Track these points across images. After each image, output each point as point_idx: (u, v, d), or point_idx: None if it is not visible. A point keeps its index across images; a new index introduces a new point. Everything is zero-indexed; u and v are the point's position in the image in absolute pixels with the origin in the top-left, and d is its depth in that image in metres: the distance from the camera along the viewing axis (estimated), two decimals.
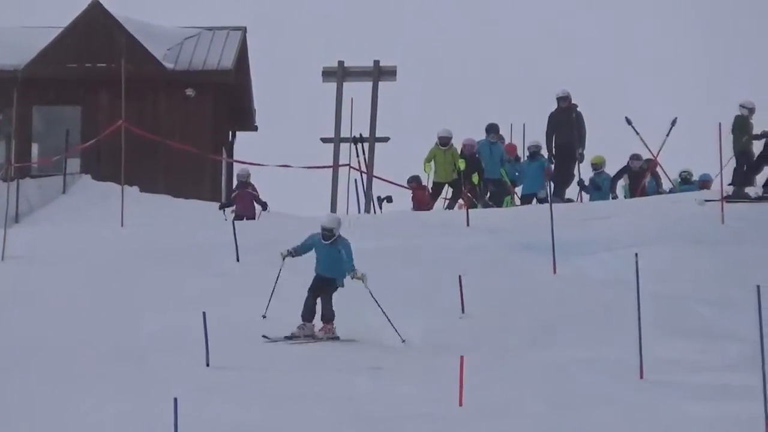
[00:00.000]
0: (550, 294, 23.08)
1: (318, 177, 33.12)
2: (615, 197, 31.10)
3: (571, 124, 30.49)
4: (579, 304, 22.49)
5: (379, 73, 35.04)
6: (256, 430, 17.92)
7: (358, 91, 35.20)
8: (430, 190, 30.77)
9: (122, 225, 29.37)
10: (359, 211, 32.92)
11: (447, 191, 31.10)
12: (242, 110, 43.68)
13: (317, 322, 21.99)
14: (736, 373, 19.10)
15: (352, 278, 21.71)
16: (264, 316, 22.35)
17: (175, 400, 16.17)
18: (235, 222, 29.99)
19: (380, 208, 33.03)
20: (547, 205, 26.33)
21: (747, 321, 18.94)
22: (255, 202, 31.66)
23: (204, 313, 20.48)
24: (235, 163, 31.57)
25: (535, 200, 30.50)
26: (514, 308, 22.51)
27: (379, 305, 21.46)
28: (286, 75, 57.21)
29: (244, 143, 45.03)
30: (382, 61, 34.92)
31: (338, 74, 34.91)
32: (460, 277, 22.48)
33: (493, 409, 18.36)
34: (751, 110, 28.30)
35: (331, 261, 21.93)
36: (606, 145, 32.30)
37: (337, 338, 21.86)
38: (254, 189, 31.84)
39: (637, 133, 31.26)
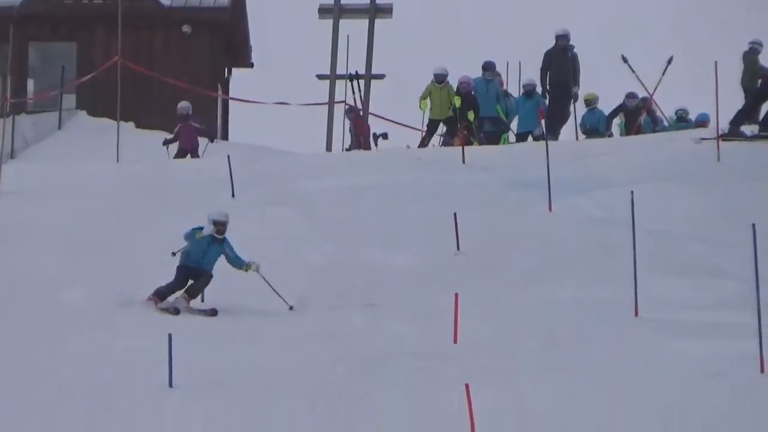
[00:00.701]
0: (545, 231, 23.08)
1: (314, 114, 33.06)
2: (611, 135, 31.05)
3: (567, 63, 30.41)
4: (574, 242, 22.49)
5: (375, 11, 35.08)
6: (250, 369, 17.90)
7: (354, 28, 35.21)
8: (426, 128, 30.64)
9: (118, 161, 29.33)
10: (353, 147, 32.89)
11: (442, 129, 30.98)
12: (238, 47, 43.53)
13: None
14: (730, 311, 19.12)
15: (246, 271, 20.81)
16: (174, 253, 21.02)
17: (170, 337, 16.19)
18: (179, 158, 30.05)
19: (375, 144, 33.01)
20: (542, 143, 26.30)
21: (741, 259, 18.94)
22: (199, 135, 31.36)
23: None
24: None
25: (530, 138, 30.38)
26: (508, 245, 22.50)
27: (270, 286, 20.73)
28: (282, 12, 57.08)
29: (240, 80, 45.05)
30: None
31: (335, 11, 34.92)
32: (455, 214, 22.45)
33: (487, 346, 18.37)
34: (759, 48, 28.21)
35: (211, 257, 20.89)
36: (602, 84, 32.25)
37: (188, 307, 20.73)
38: (195, 122, 31.42)
39: (633, 72, 31.24)
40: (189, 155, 30.54)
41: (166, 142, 30.95)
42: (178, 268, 20.80)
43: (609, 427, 15.79)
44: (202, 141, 31.03)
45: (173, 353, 16.18)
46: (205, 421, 15.95)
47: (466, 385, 15.53)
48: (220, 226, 20.68)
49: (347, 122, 33.35)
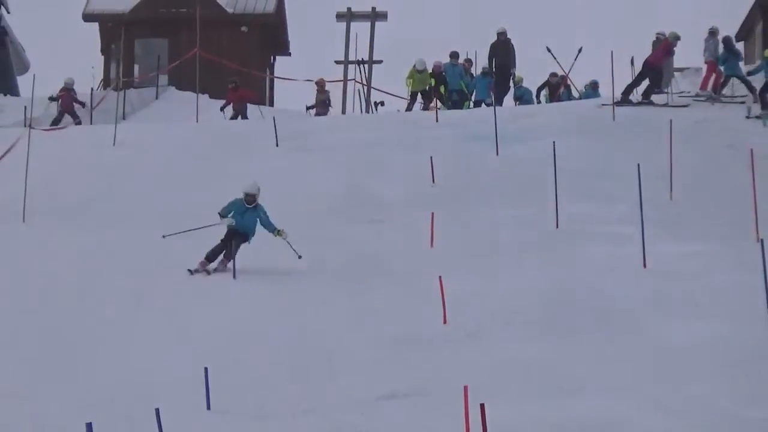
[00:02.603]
0: (494, 169, 22.96)
1: (332, 88, 32.84)
2: (539, 102, 30.85)
3: (506, 52, 30.10)
4: (513, 177, 22.37)
5: (375, 15, 34.94)
6: (272, 268, 17.90)
7: (361, 27, 35.10)
8: (409, 98, 30.37)
9: (197, 121, 29.16)
10: (361, 112, 32.71)
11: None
12: (280, 41, 43.23)
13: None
14: (623, 225, 19.07)
15: (275, 236, 18.02)
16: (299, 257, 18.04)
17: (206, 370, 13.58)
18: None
19: (375, 109, 32.84)
20: (491, 108, 26.19)
21: (630, 188, 18.83)
22: (75, 103, 30.27)
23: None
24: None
25: (483, 105, 30.12)
26: (468, 180, 22.39)
27: (293, 249, 17.94)
28: (310, 16, 56.69)
29: (281, 64, 44.80)
30: (378, 8, 34.92)
31: (347, 17, 34.79)
32: (431, 157, 22.35)
33: (454, 250, 18.35)
34: (661, 38, 27.83)
35: (248, 221, 18.09)
36: (533, 66, 32.10)
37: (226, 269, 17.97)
38: (75, 93, 30.52)
39: (555, 58, 30.94)
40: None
41: (51, 99, 30.19)
42: (227, 232, 18.26)
43: (545, 299, 15.76)
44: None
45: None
46: None
47: (440, 277, 15.55)
48: (250, 197, 18.07)
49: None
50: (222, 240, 18.05)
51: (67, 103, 29.96)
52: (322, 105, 30.87)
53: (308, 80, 33.08)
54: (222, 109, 30.32)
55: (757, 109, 25.16)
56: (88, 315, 16.22)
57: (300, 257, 17.88)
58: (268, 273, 17.74)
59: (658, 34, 28.07)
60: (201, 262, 17.91)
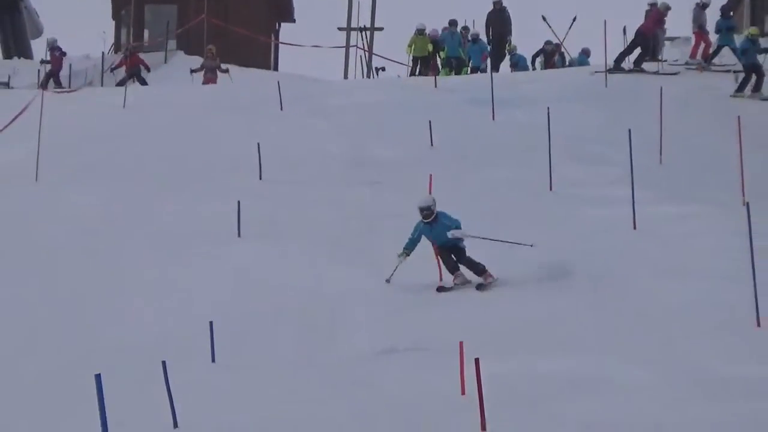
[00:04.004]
0: (491, 133, 22.88)
1: (336, 54, 32.82)
2: (534, 69, 30.77)
3: (502, 21, 29.96)
4: (509, 141, 22.29)
5: None
6: (276, 227, 17.91)
7: None
8: (411, 63, 30.27)
9: (202, 84, 29.11)
10: (363, 77, 32.65)
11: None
12: (286, 8, 43.00)
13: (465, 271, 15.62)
14: (614, 189, 19.02)
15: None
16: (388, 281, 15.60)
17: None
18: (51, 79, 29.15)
19: (377, 74, 32.78)
20: (488, 74, 26.11)
21: (622, 153, 18.79)
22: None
23: (258, 144, 20.40)
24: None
25: (478, 72, 29.98)
26: (465, 142, 22.32)
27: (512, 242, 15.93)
28: None
29: (286, 30, 44.53)
30: None
31: None
32: (429, 121, 22.27)
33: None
34: (652, 7, 27.68)
35: (442, 235, 15.39)
36: (529, 34, 32.05)
37: (495, 279, 15.33)
38: (62, 52, 29.59)
39: (550, 27, 30.89)
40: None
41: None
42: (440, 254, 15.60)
43: (538, 259, 15.75)
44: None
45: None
46: None
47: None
48: (426, 211, 15.38)
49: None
50: (445, 262, 15.48)
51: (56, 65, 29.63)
52: (211, 71, 29.62)
53: (316, 46, 33.08)
54: (111, 70, 30.07)
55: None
56: (98, 270, 16.28)
57: (531, 245, 15.59)
58: (272, 231, 17.74)
59: (650, 3, 27.95)
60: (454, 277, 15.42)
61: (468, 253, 15.43)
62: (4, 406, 12.10)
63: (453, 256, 15.37)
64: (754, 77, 24.69)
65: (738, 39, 26.69)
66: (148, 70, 30.03)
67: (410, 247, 15.45)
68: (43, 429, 11.44)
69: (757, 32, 25.30)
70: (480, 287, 15.19)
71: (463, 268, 15.32)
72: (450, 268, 15.33)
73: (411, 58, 30.05)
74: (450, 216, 15.46)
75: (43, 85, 28.61)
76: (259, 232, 17.62)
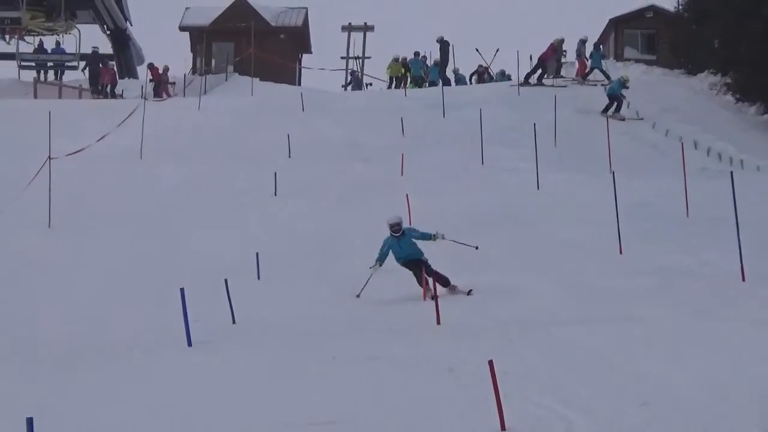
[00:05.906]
0: (442, 127, 22.63)
1: (339, 74, 32.32)
2: (471, 83, 30.36)
3: (446, 51, 29.40)
4: (455, 131, 21.99)
5: (366, 28, 34.63)
6: (303, 184, 17.69)
7: (357, 35, 34.66)
8: (389, 80, 29.81)
9: (252, 94, 28.69)
10: (356, 89, 32.21)
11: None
12: (305, 44, 42.31)
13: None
14: (524, 162, 18.92)
15: (435, 240, 11.91)
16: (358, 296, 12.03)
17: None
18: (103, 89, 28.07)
19: (366, 88, 32.31)
20: (440, 87, 25.82)
21: (529, 138, 18.73)
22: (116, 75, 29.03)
23: (288, 135, 20.07)
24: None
25: (434, 85, 29.38)
26: (425, 133, 22.05)
27: (464, 243, 12.52)
28: (325, 28, 56.00)
29: (306, 58, 43.83)
30: (368, 23, 34.40)
31: (348, 28, 34.47)
32: (401, 118, 22.02)
33: (418, 179, 18.08)
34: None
35: (407, 248, 11.82)
36: (467, 59, 31.74)
37: (470, 291, 11.65)
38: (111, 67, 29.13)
39: (481, 55, 30.53)
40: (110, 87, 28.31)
41: (100, 84, 28.14)
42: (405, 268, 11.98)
43: (474, 209, 15.54)
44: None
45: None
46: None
47: (407, 195, 15.42)
48: (395, 226, 11.88)
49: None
50: (417, 278, 11.85)
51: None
52: (164, 87, 28.54)
53: (322, 69, 32.61)
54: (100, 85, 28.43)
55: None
56: (189, 215, 16.43)
57: (476, 248, 12.42)
58: (297, 192, 17.56)
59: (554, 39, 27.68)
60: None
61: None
62: (113, 296, 11.94)
63: (417, 271, 11.76)
64: (614, 105, 24.06)
65: (609, 67, 26.51)
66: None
67: (381, 260, 11.92)
68: (141, 318, 11.25)
69: (627, 78, 24.39)
70: (466, 293, 11.62)
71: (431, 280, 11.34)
72: (441, 283, 11.46)
73: (389, 77, 29.71)
74: (416, 229, 12.14)
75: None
76: (289, 192, 17.50)
